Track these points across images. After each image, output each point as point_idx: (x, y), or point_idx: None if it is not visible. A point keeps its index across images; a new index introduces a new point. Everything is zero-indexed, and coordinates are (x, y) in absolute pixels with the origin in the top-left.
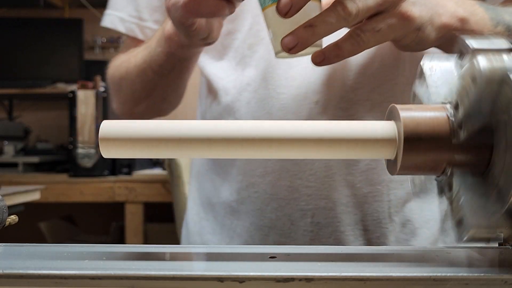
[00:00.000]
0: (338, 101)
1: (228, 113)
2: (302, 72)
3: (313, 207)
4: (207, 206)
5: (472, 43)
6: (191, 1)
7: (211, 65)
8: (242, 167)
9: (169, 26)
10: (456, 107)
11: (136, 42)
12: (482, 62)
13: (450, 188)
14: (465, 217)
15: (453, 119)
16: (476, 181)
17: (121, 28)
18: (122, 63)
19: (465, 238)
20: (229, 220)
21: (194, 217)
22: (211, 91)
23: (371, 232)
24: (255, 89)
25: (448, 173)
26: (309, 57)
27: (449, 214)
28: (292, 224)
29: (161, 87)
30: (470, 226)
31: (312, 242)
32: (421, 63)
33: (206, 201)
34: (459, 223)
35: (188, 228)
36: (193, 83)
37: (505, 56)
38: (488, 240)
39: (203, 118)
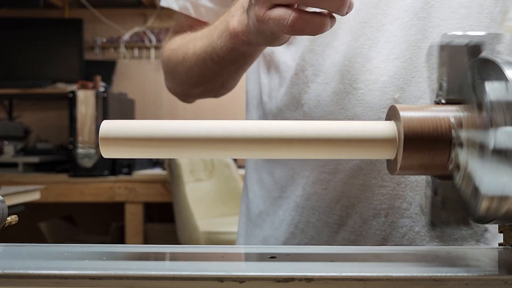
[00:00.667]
0: (420, 99)
1: (295, 106)
2: (381, 65)
3: (387, 207)
4: (268, 199)
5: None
6: (300, 20)
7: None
8: (310, 162)
9: (236, 22)
10: (440, 87)
11: (189, 20)
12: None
13: (458, 168)
14: (479, 185)
15: (454, 133)
16: (482, 157)
17: (174, 6)
18: (179, 48)
19: (481, 208)
20: (290, 216)
21: (255, 210)
22: (276, 72)
23: (447, 234)
24: (327, 82)
25: (451, 166)
26: (389, 48)
27: (463, 192)
28: (364, 223)
29: (220, 76)
30: (485, 192)
31: (384, 242)
32: (439, 40)
33: (266, 194)
34: (473, 194)
35: (251, 220)
36: None
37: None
38: (501, 215)
39: (270, 98)
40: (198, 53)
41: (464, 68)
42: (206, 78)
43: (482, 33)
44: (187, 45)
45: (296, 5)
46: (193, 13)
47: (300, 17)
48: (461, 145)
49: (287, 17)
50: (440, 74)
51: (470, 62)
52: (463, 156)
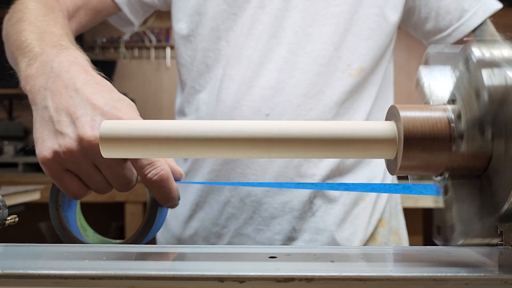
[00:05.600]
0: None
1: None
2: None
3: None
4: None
5: (477, 52)
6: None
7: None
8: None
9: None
10: (458, 116)
11: None
12: (486, 77)
13: (446, 192)
14: (456, 226)
15: (453, 125)
16: (470, 189)
17: None
18: (17, 22)
19: (458, 243)
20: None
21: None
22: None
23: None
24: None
25: (446, 176)
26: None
27: (444, 217)
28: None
29: None
30: (461, 235)
31: (253, 215)
32: (427, 51)
33: None
34: (451, 229)
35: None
36: None
37: (508, 72)
38: (480, 244)
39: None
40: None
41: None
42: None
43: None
44: (21, 25)
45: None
46: None
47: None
48: (459, 151)
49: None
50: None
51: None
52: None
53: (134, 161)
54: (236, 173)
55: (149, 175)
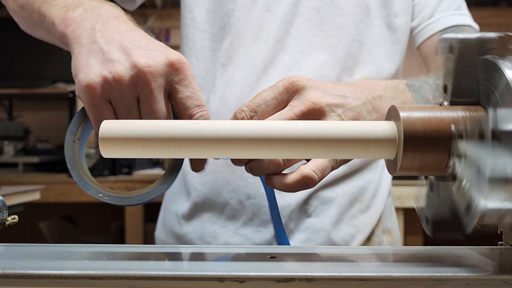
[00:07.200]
0: None
1: None
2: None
3: (255, 192)
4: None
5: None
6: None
7: None
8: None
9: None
10: (445, 89)
11: None
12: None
13: (454, 178)
14: (472, 201)
15: (445, 100)
16: (478, 168)
17: None
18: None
19: (474, 222)
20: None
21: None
22: None
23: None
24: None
25: (450, 169)
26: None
27: (457, 203)
28: (240, 203)
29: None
30: (478, 209)
31: (253, 217)
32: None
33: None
34: (467, 209)
35: None
36: None
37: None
38: (495, 226)
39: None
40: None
41: (471, 69)
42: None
43: (492, 34)
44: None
45: None
46: None
47: None
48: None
49: None
50: (445, 76)
51: (475, 61)
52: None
53: (184, 99)
54: (236, 176)
55: (196, 115)
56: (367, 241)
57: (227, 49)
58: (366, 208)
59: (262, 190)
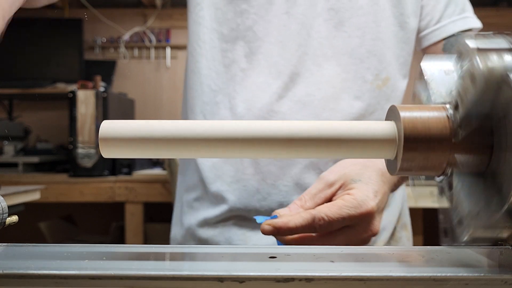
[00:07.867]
0: None
1: None
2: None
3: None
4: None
5: (471, 42)
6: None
7: None
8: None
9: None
10: (456, 107)
11: None
12: (481, 61)
13: (450, 187)
14: (464, 217)
15: (453, 119)
16: (476, 181)
17: None
18: None
19: (465, 238)
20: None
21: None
22: None
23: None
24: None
25: (449, 173)
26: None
27: (450, 214)
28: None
29: None
30: (470, 226)
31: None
32: (421, 63)
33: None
34: (459, 223)
35: None
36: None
37: (505, 56)
38: (488, 240)
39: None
40: None
41: (490, 96)
42: None
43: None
44: None
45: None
46: None
47: None
48: (461, 145)
49: None
50: (459, 97)
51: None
52: (463, 156)
53: None
54: (267, 184)
55: None
56: (391, 237)
57: (245, 53)
58: (387, 205)
59: (294, 198)
